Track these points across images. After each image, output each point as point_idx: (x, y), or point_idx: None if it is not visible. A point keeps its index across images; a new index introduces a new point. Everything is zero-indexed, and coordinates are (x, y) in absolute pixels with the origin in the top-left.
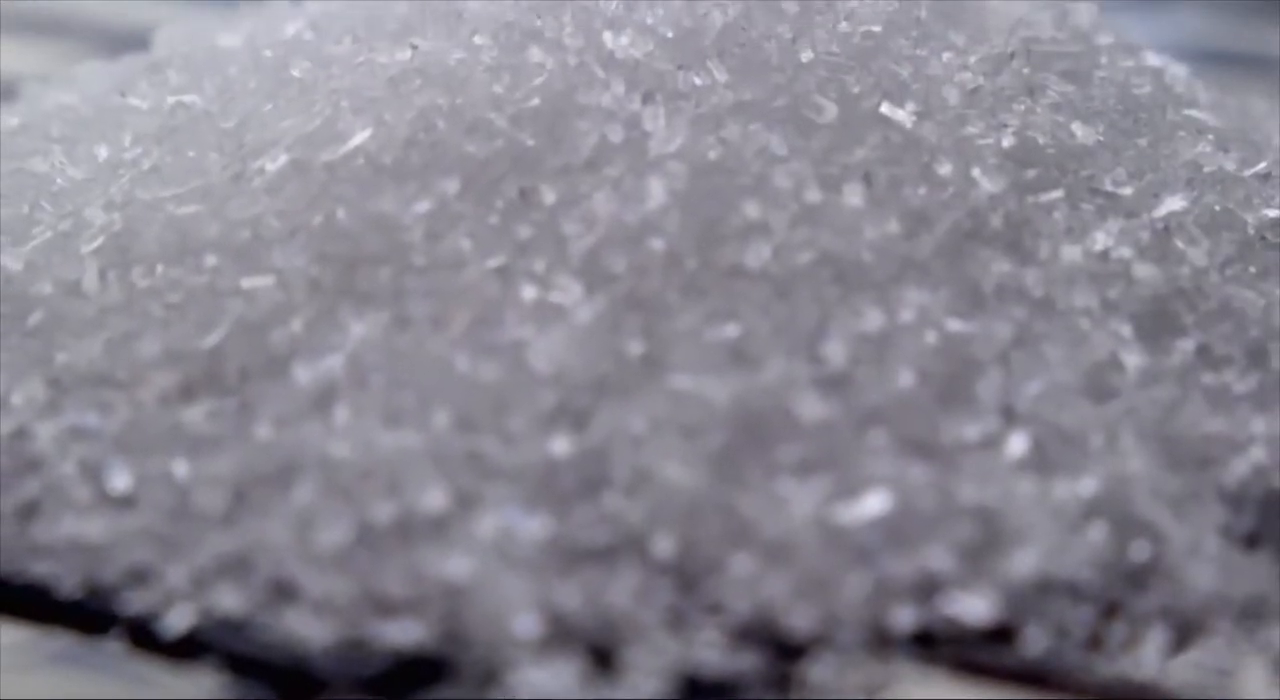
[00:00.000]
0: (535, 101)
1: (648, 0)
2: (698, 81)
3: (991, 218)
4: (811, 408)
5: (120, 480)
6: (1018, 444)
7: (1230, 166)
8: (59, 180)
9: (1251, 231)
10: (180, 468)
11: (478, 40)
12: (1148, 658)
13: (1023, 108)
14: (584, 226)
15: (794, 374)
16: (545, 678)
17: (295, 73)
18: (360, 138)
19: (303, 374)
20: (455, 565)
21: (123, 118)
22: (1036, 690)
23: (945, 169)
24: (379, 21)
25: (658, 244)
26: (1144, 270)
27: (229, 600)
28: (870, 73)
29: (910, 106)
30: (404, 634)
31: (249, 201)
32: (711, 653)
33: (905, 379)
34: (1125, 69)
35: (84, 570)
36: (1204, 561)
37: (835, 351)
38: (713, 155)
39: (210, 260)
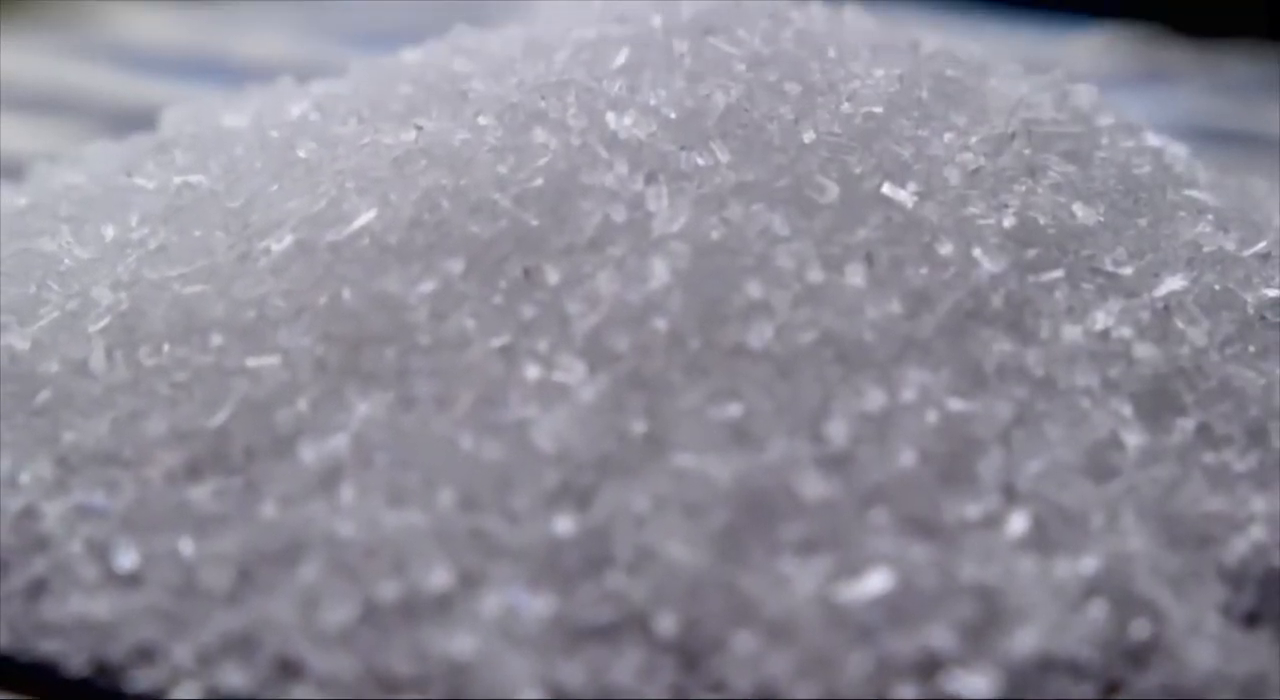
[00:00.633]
0: (539, 182)
1: (650, 81)
2: (700, 162)
3: (993, 297)
4: (814, 486)
5: (127, 559)
6: (1019, 523)
7: (1230, 246)
8: (66, 260)
9: (1251, 311)
10: (186, 546)
11: (482, 121)
12: None
13: (1024, 188)
14: (587, 306)
15: (796, 453)
16: None
17: (301, 153)
18: (365, 218)
19: (308, 453)
20: (459, 643)
21: (129, 198)
22: None
23: (947, 249)
24: (384, 102)
25: (661, 323)
26: (1144, 350)
27: (234, 678)
28: (872, 153)
29: (912, 187)
30: None
31: (254, 281)
32: None
33: (907, 458)
34: (1126, 149)
35: (91, 648)
36: (1204, 640)
37: (837, 430)
38: (715, 235)
39: (216, 340)
